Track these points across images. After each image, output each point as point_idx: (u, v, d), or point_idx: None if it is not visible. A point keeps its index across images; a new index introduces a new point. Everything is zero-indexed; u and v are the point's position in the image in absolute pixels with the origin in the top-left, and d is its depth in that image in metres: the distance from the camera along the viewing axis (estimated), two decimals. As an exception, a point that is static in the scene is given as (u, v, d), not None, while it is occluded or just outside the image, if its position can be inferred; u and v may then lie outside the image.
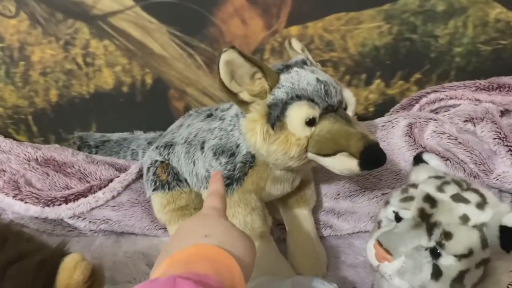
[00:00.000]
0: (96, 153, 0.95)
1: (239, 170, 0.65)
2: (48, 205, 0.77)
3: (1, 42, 0.88)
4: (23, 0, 0.84)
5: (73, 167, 0.85)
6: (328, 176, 0.82)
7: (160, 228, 0.81)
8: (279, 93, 0.58)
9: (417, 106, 0.86)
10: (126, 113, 0.96)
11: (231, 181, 0.65)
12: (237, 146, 0.65)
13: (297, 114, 0.56)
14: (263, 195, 0.68)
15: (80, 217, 0.79)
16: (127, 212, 0.81)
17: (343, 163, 0.56)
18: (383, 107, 0.94)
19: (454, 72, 0.90)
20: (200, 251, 0.35)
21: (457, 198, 0.47)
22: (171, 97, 0.94)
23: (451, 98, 0.83)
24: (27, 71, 0.91)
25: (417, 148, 0.78)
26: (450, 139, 0.77)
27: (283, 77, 0.59)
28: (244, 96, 0.59)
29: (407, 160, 0.79)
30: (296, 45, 0.68)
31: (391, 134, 0.81)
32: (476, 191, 0.49)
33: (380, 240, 0.47)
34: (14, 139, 0.95)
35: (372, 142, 0.55)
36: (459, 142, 0.76)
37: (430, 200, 0.47)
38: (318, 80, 0.58)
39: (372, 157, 0.54)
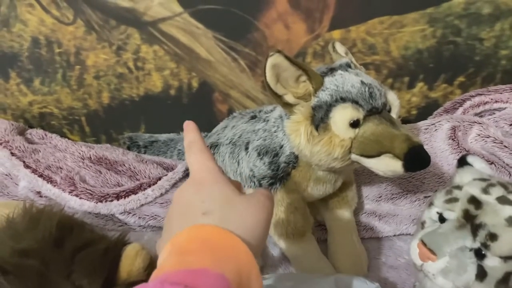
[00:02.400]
0: (144, 153, 0.99)
1: (282, 170, 0.67)
2: (101, 201, 0.82)
3: (59, 47, 0.94)
4: (80, 8, 0.89)
5: (124, 165, 0.90)
6: (370, 178, 0.83)
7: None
8: (324, 95, 0.59)
9: (460, 109, 0.85)
10: (174, 115, 1.00)
11: (274, 180, 0.68)
12: (281, 147, 0.67)
13: (341, 115, 0.58)
14: (305, 196, 0.70)
15: (130, 213, 0.83)
16: (174, 209, 0.84)
17: (387, 165, 0.57)
18: (426, 110, 0.94)
19: (500, 75, 0.89)
20: (199, 235, 0.32)
21: (502, 200, 0.47)
22: (215, 99, 0.98)
23: (496, 101, 0.82)
24: (81, 75, 0.97)
25: (461, 151, 0.77)
26: (495, 142, 0.76)
27: (327, 80, 0.60)
28: (289, 98, 0.61)
29: (450, 163, 0.78)
30: (340, 48, 0.69)
31: (434, 137, 0.81)
32: (520, 193, 0.48)
33: (424, 240, 0.48)
34: (69, 138, 1.00)
35: (416, 144, 0.56)
36: (505, 146, 0.75)
37: (475, 201, 0.48)
38: (362, 82, 0.59)
39: (416, 158, 0.55)
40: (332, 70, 0.62)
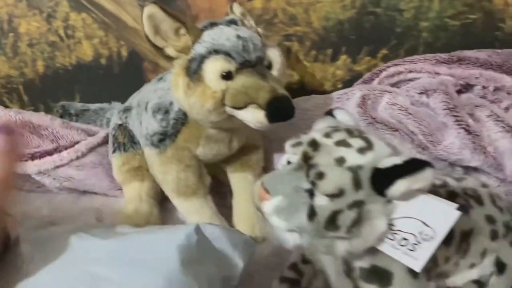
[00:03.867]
0: (76, 121, 1.01)
1: (172, 126, 0.68)
2: (16, 161, 0.83)
3: (-9, 14, 0.96)
4: (9, -26, 0.91)
5: (47, 129, 0.91)
6: (281, 146, 0.83)
7: (118, 189, 0.85)
8: (199, 47, 0.60)
9: (377, 80, 0.85)
10: (105, 85, 1.01)
11: (164, 137, 0.68)
12: (171, 103, 0.68)
13: (212, 67, 0.59)
14: (199, 155, 0.70)
15: (45, 174, 0.84)
16: (90, 172, 0.86)
17: (253, 115, 0.57)
18: (351, 84, 0.94)
19: (422, 48, 0.89)
20: None
21: (340, 143, 0.48)
22: (145, 69, 0.99)
23: (410, 72, 0.82)
24: (16, 42, 0.99)
25: (367, 119, 0.77)
26: (401, 110, 0.76)
27: (206, 33, 0.61)
28: (170, 51, 0.62)
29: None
30: (236, 9, 0.70)
31: (346, 106, 0.81)
32: (365, 138, 0.48)
33: (263, 181, 0.49)
34: (7, 107, 1.03)
35: (280, 94, 0.56)
36: (409, 113, 0.75)
37: (314, 144, 0.48)
38: (238, 36, 0.60)
39: (278, 108, 0.56)
40: (213, 25, 0.62)
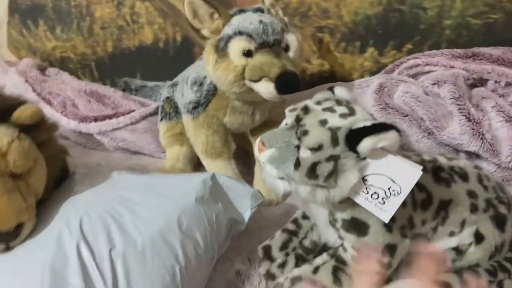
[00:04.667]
0: (135, 95, 1.17)
1: (204, 96, 0.81)
2: (82, 121, 1.01)
3: (74, 0, 1.15)
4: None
5: (110, 99, 1.08)
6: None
7: (163, 152, 1.00)
8: (227, 29, 0.72)
9: (397, 70, 0.93)
10: (161, 65, 1.17)
11: (197, 105, 0.81)
12: (205, 77, 0.81)
13: (236, 46, 0.70)
14: (226, 123, 0.83)
15: (104, 134, 1.01)
16: (141, 136, 1.01)
17: (266, 87, 0.68)
18: (377, 75, 1.01)
19: (445, 45, 0.94)
20: None
21: (327, 109, 0.57)
22: (195, 53, 1.13)
23: (427, 65, 0.89)
24: (91, 25, 1.17)
25: (381, 104, 0.85)
26: (412, 98, 0.83)
27: (234, 18, 0.73)
28: (205, 33, 0.75)
29: (373, 115, 0.86)
30: (267, 0, 0.81)
31: (364, 92, 0.90)
32: (350, 108, 0.58)
33: (261, 137, 0.60)
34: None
35: (288, 70, 0.67)
36: (419, 101, 0.82)
37: (306, 109, 0.58)
38: (260, 21, 0.71)
39: (285, 81, 0.66)
40: (242, 11, 0.74)
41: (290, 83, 0.66)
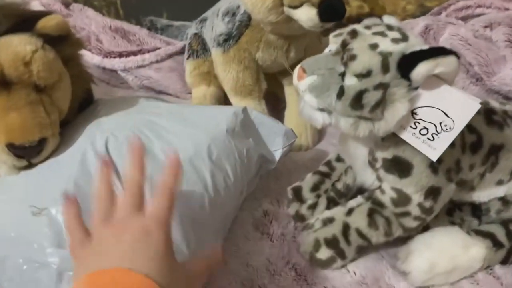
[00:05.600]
0: (161, 35, 1.12)
1: (236, 28, 0.75)
2: (106, 57, 0.97)
3: None
4: None
5: (135, 36, 1.04)
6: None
7: (188, 93, 0.95)
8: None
9: (444, 13, 0.86)
10: (189, 4, 1.11)
11: (228, 37, 0.76)
12: (238, 7, 0.75)
13: (274, -31, 0.65)
14: (258, 59, 0.78)
15: (129, 71, 0.97)
16: (166, 75, 0.97)
17: (307, 14, 0.63)
18: (420, 20, 0.94)
19: (499, -13, 0.87)
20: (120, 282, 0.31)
21: (378, 33, 0.52)
22: (225, -8, 1.07)
23: (479, 6, 0.81)
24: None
25: (426, 47, 0.79)
26: (461, 41, 0.77)
27: None
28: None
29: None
30: None
31: (409, 34, 0.83)
32: (403, 33, 0.52)
33: (302, 63, 0.55)
34: (105, 18, 1.17)
35: (332, -4, 0.61)
36: (469, 44, 0.76)
37: (353, 33, 0.53)
38: None
39: (330, 7, 0.61)
40: None
41: (334, 9, 0.61)
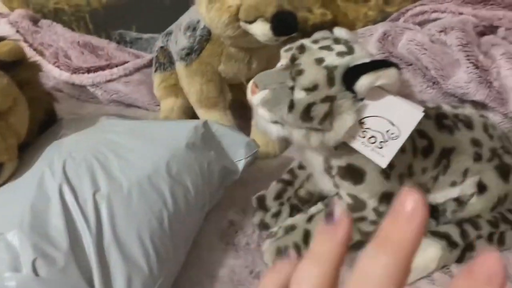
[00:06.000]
0: (130, 47, 1.13)
1: (197, 42, 0.77)
2: (75, 73, 0.97)
3: None
4: None
5: (103, 50, 1.05)
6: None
7: (157, 105, 0.97)
8: (220, -33, 0.68)
9: (402, 18, 0.88)
10: (157, 16, 1.12)
11: (190, 51, 0.78)
12: (198, 21, 0.77)
13: (229, -15, 0.66)
14: (221, 71, 0.79)
15: (98, 86, 0.98)
16: (135, 88, 0.98)
17: (261, 28, 0.64)
18: (381, 25, 0.96)
19: (455, -9, 0.89)
20: None
21: (324, 47, 0.54)
22: (191, 2, 1.08)
23: (434, 11, 0.84)
24: (84, -26, 1.12)
25: (384, 53, 0.81)
26: (417, 46, 0.79)
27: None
28: (197, -28, 0.70)
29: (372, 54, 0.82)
30: None
31: (367, 41, 0.85)
32: (349, 46, 0.54)
33: (254, 78, 0.56)
34: (75, 33, 1.17)
35: (285, 10, 0.63)
36: (425, 49, 0.78)
37: (301, 48, 0.55)
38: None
39: (282, 21, 0.62)
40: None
41: (287, 23, 0.62)
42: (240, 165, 0.68)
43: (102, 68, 0.98)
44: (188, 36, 0.78)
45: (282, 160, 0.83)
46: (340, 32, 0.61)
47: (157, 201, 0.54)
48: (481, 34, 0.82)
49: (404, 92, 0.80)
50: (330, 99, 0.52)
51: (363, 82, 0.50)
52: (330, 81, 0.51)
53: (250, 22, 0.66)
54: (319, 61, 0.52)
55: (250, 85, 0.57)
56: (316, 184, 0.66)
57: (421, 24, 0.87)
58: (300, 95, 0.52)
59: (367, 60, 0.51)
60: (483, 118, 0.66)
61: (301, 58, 0.54)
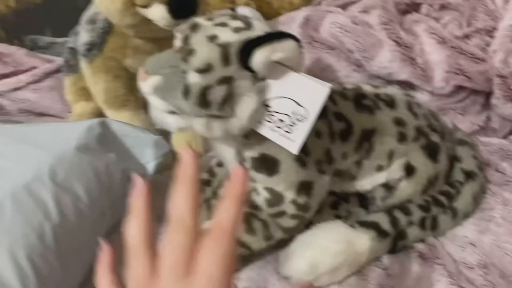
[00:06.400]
0: (44, 53, 1.04)
1: (98, 36, 0.69)
2: (-23, 83, 0.87)
3: None
4: None
5: (10, 57, 0.95)
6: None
7: (70, 111, 0.88)
8: None
9: (324, 2, 0.84)
10: (72, 17, 1.03)
11: (92, 46, 0.70)
12: (96, 13, 0.69)
13: (121, -34, 0.59)
14: (129, 66, 0.72)
15: (3, 96, 0.89)
16: (45, 95, 0.89)
17: (158, 12, 0.58)
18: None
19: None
20: None
21: (219, 24, 0.48)
22: None
23: (355, -7, 0.80)
24: (-13, -25, 1.02)
25: (306, 38, 0.76)
26: (339, 28, 0.75)
27: None
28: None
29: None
30: None
31: (290, 27, 0.80)
32: (247, 22, 0.48)
33: (144, 64, 0.50)
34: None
35: (183, -11, 0.56)
36: (346, 31, 0.74)
37: (195, 26, 0.48)
38: None
39: (179, 1, 0.56)
40: None
41: (184, 3, 0.56)
42: (150, 167, 0.61)
43: (7, 76, 0.89)
44: (89, 30, 0.70)
45: (207, 160, 0.76)
46: (244, 10, 0.55)
47: (37, 213, 0.46)
48: (405, 12, 0.79)
49: (329, 78, 0.75)
50: (227, 80, 0.45)
51: (258, 58, 0.44)
52: (225, 59, 0.45)
53: (146, 6, 0.59)
54: (212, 38, 0.46)
55: (140, 72, 0.50)
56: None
57: (344, 7, 0.83)
58: (194, 79, 0.46)
59: (262, 33, 0.45)
60: (407, 97, 0.62)
61: (193, 37, 0.47)
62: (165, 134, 0.76)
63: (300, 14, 0.80)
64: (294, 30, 0.79)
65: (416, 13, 0.77)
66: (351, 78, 0.74)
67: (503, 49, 0.65)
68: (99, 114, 0.80)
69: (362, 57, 0.72)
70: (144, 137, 0.61)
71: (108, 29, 0.68)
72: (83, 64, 0.73)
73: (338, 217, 0.59)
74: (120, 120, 0.71)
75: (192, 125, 0.49)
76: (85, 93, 0.81)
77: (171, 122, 0.49)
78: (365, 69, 0.72)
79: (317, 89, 0.46)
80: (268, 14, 0.94)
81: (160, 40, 0.69)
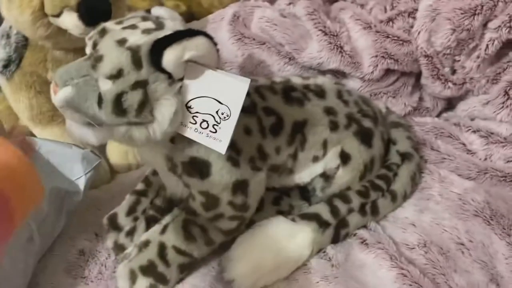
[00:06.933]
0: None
1: (14, 50, 0.65)
2: None
3: None
4: None
5: None
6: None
7: None
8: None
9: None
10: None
11: (8, 62, 0.66)
12: (10, 27, 0.65)
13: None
14: (51, 80, 0.68)
15: None
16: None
17: (70, 20, 0.55)
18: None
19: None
20: None
21: (128, 26, 0.46)
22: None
23: (282, -15, 0.80)
24: None
25: (236, 35, 0.75)
26: (268, 22, 0.74)
27: None
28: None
29: (229, 47, 0.76)
30: None
31: (219, 26, 0.79)
32: (159, 23, 0.46)
33: (54, 76, 0.47)
34: None
35: (92, -6, 0.54)
36: (275, 24, 0.73)
37: (102, 31, 0.46)
38: None
39: (90, 7, 0.54)
40: None
41: (95, 9, 0.54)
42: (81, 183, 0.58)
43: None
44: (4, 45, 0.66)
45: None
46: (157, 10, 0.53)
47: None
48: (333, 1, 0.79)
49: (263, 73, 0.74)
50: (141, 84, 0.43)
51: (169, 57, 0.42)
52: (136, 63, 0.43)
53: (58, 15, 0.56)
54: (121, 42, 0.44)
55: (51, 84, 0.47)
56: (167, 188, 0.57)
57: (272, 1, 0.82)
58: (106, 86, 0.44)
59: (171, 32, 0.43)
60: (337, 85, 0.62)
61: (101, 42, 0.45)
62: (100, 146, 0.73)
63: (229, 11, 0.79)
64: (224, 27, 0.77)
65: (343, 0, 0.78)
66: (284, 71, 0.73)
67: (425, 29, 0.66)
68: (28, 133, 0.76)
69: (292, 49, 0.72)
70: (71, 152, 0.58)
71: (24, 43, 0.65)
72: (2, 83, 0.69)
73: (280, 212, 0.58)
74: (50, 136, 0.68)
75: (112, 136, 0.47)
76: (12, 112, 0.77)
77: (89, 135, 0.47)
78: (297, 62, 0.72)
79: (237, 85, 0.45)
80: (199, 14, 0.92)
81: (81, 49, 0.66)
